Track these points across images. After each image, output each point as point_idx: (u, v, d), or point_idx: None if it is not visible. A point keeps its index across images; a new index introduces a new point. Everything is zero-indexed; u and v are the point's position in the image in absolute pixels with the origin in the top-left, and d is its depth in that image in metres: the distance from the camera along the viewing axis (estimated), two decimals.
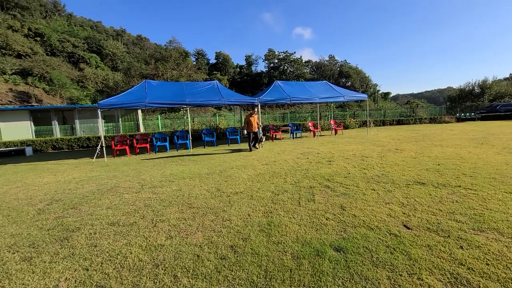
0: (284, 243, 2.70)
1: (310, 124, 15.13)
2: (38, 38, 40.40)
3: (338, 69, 60.26)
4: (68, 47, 43.16)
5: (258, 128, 9.93)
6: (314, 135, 14.17)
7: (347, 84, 55.46)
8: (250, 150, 9.36)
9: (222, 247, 2.66)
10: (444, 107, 29.16)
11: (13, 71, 31.60)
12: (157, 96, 10.07)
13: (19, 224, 3.54)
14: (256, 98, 11.59)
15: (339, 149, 8.86)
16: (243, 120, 20.32)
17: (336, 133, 14.94)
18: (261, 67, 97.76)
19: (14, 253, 2.76)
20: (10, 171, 7.80)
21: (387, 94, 58.03)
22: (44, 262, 2.56)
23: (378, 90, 58.02)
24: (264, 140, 9.79)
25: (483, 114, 23.48)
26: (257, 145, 9.86)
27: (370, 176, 5.05)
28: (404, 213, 3.27)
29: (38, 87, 32.29)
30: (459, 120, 23.28)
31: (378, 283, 2.02)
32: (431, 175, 4.91)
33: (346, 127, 19.14)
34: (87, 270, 2.39)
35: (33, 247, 2.86)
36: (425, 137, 11.50)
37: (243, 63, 66.56)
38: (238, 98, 11.49)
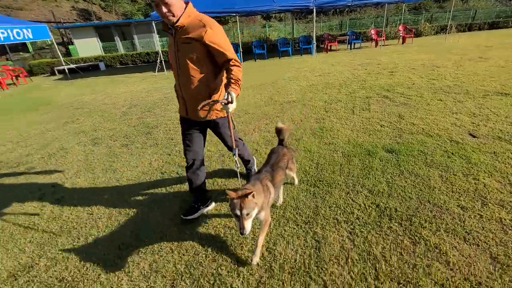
0: (335, 144, 2.85)
1: (372, 31, 13.03)
2: None
3: None
4: None
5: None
6: (377, 45, 12.37)
7: None
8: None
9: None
10: None
11: None
12: (205, 4, 9.51)
13: (111, 121, 4.36)
14: (311, 0, 10.11)
15: (405, 59, 7.75)
16: (295, 31, 17.84)
17: (404, 41, 12.75)
18: None
19: (115, 141, 3.54)
20: (93, 83, 9.05)
21: None
22: (138, 148, 3.25)
23: None
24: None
25: None
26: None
27: (438, 87, 4.51)
28: (473, 123, 3.01)
29: (95, 3, 32.99)
30: None
31: (429, 179, 2.10)
32: None
33: (418, 34, 15.98)
34: (169, 155, 2.98)
35: (127, 138, 3.59)
36: None
37: None
38: (290, 2, 10.16)
